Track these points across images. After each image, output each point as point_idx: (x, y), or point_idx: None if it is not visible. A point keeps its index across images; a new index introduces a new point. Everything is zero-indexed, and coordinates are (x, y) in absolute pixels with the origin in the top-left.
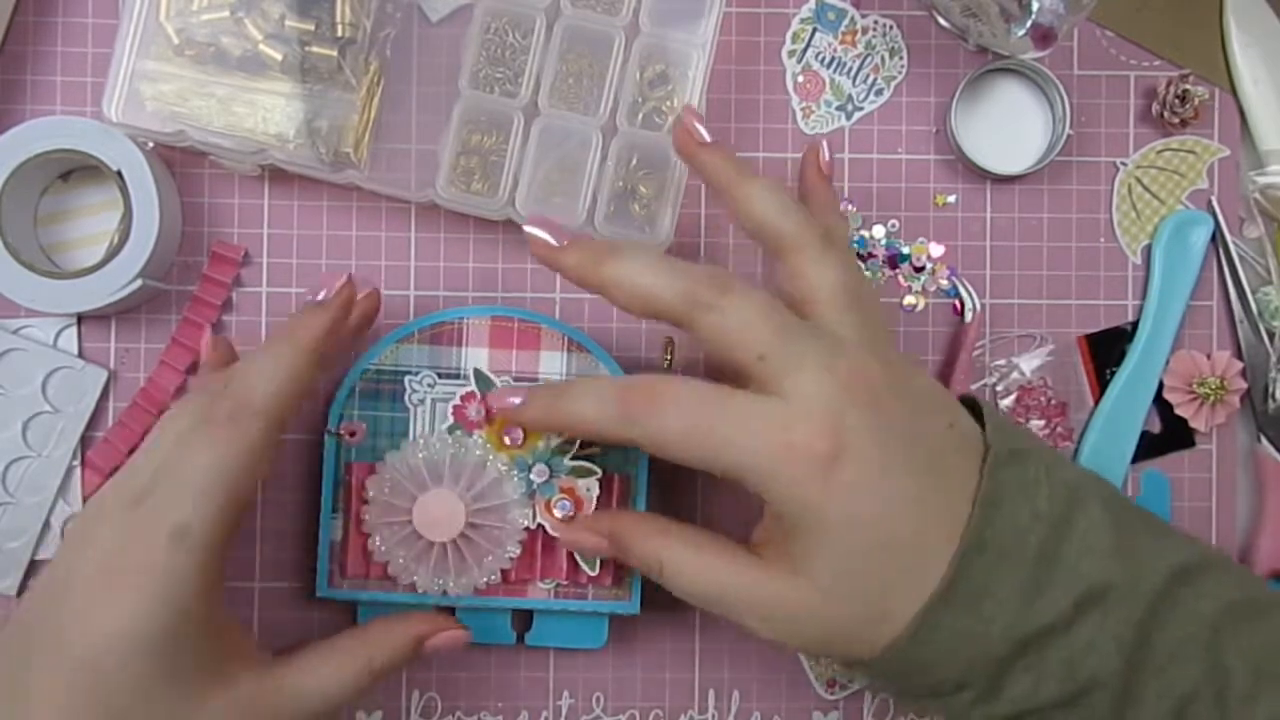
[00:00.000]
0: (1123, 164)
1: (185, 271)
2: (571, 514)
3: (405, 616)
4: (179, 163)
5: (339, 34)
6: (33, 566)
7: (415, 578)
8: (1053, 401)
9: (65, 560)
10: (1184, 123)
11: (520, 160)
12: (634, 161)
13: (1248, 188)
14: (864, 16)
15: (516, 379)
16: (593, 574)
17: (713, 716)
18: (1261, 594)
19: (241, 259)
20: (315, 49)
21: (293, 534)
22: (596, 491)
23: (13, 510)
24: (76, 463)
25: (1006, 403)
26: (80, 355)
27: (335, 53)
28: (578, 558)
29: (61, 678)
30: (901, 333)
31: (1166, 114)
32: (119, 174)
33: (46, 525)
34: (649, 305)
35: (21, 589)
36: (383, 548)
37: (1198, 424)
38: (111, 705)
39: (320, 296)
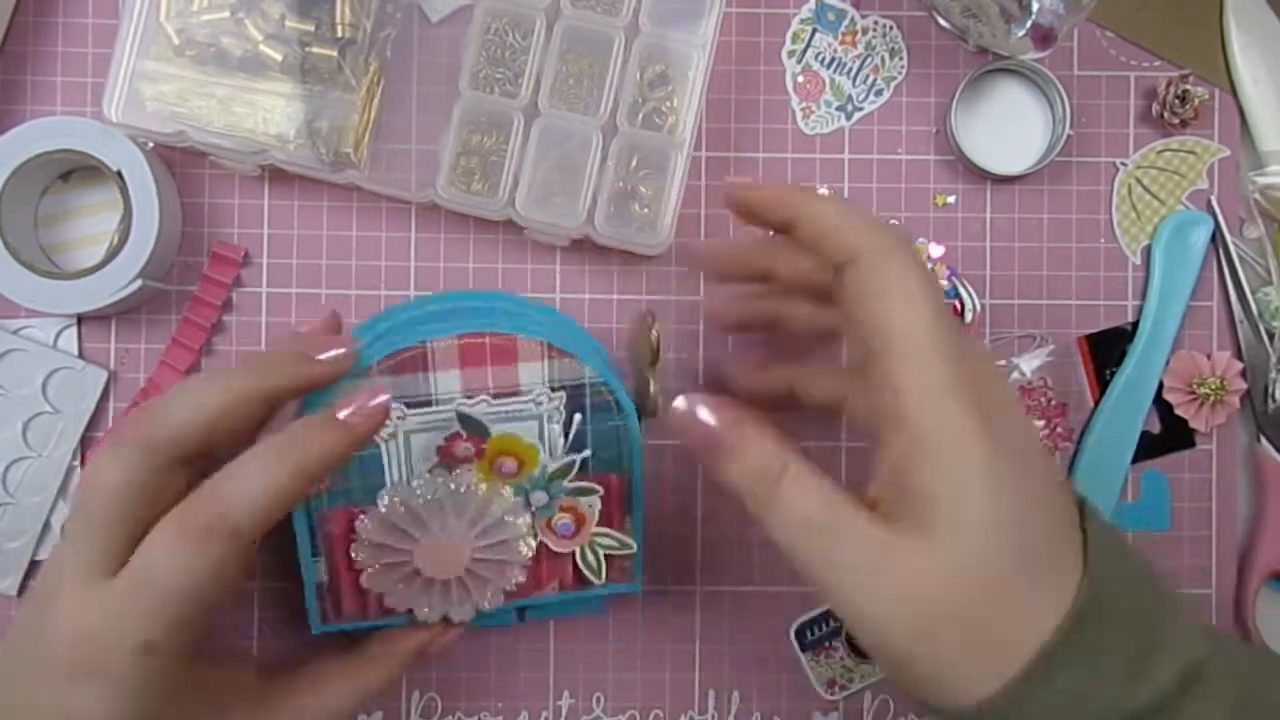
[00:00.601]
0: (1123, 164)
1: (185, 272)
2: (574, 531)
3: (404, 631)
4: (179, 163)
5: (339, 34)
6: (33, 567)
7: (415, 607)
8: (1053, 402)
9: (31, 627)
10: (1184, 123)
11: (520, 160)
12: (634, 162)
13: (1248, 188)
14: (864, 17)
15: (495, 396)
16: (599, 582)
17: (713, 716)
18: None
19: (241, 259)
20: (315, 49)
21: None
22: (599, 507)
23: (13, 510)
24: (77, 463)
25: None
26: (80, 356)
27: (335, 53)
28: (582, 568)
29: None
30: None
31: (1166, 114)
32: (119, 174)
33: (47, 525)
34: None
35: (22, 589)
36: (380, 585)
37: (1198, 424)
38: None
39: (343, 414)
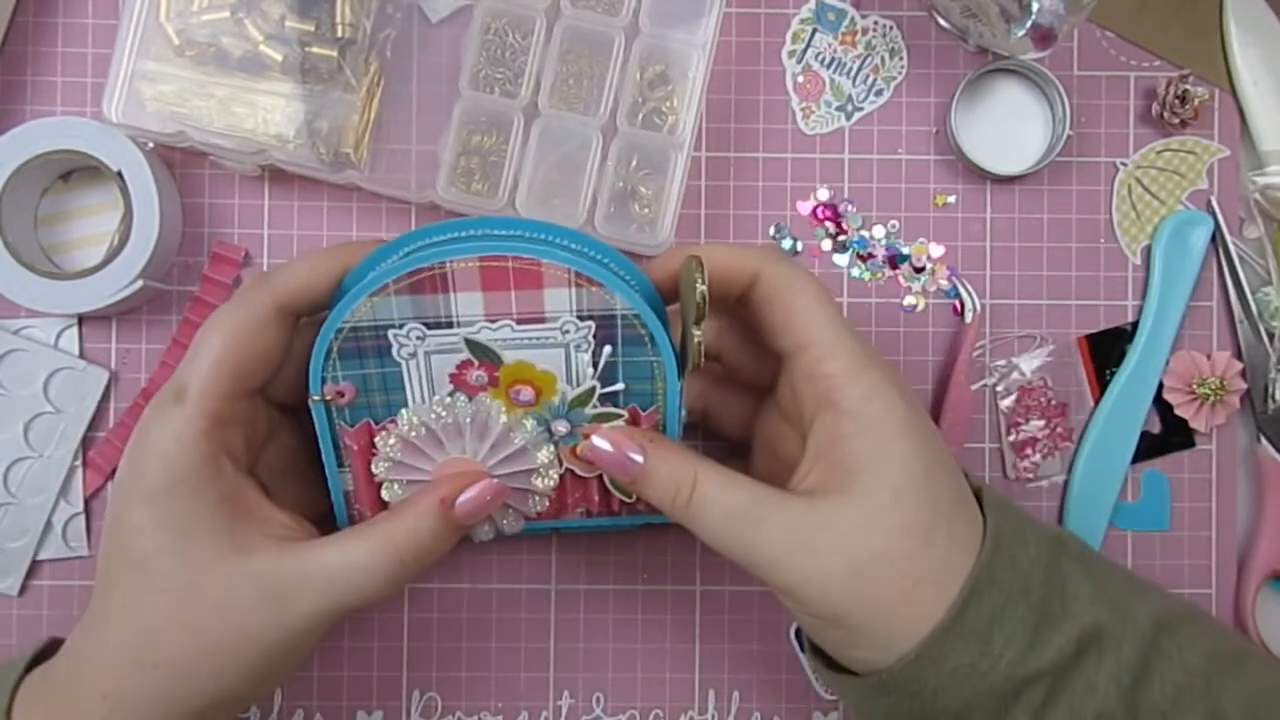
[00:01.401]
0: (1123, 164)
1: (186, 272)
2: None
3: (425, 487)
4: (179, 163)
5: (339, 34)
6: (34, 567)
7: None
8: (1053, 401)
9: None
10: (1184, 123)
11: (520, 161)
12: (634, 162)
13: (1248, 188)
14: (864, 17)
15: (520, 322)
16: (628, 500)
17: (713, 716)
18: (1240, 643)
19: (242, 259)
20: (315, 49)
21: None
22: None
23: (14, 510)
24: (78, 463)
25: (1007, 403)
26: (81, 356)
27: (335, 53)
28: (610, 488)
29: (105, 533)
30: (901, 333)
31: (1166, 114)
32: (119, 174)
33: (48, 525)
34: None
35: (23, 589)
36: (401, 495)
37: (1198, 424)
38: (128, 553)
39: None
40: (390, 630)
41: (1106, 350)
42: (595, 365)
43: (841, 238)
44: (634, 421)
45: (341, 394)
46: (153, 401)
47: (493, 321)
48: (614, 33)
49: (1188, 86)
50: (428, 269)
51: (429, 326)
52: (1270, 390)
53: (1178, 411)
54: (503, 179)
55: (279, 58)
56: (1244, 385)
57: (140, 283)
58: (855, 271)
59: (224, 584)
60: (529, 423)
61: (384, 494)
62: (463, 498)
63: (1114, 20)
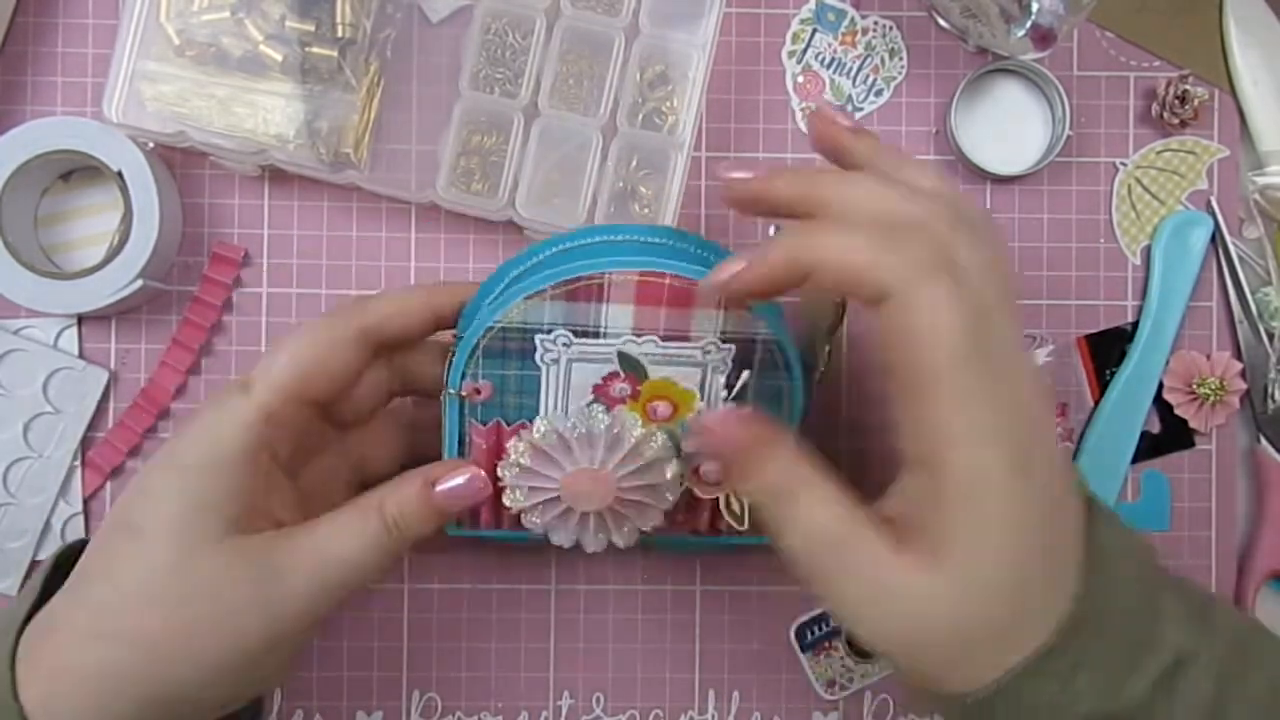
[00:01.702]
0: (1122, 164)
1: (185, 272)
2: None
3: (419, 469)
4: (179, 163)
5: (339, 34)
6: (33, 567)
7: (550, 530)
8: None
9: None
10: (1184, 123)
11: (520, 161)
12: (634, 162)
13: (1247, 188)
14: (864, 17)
15: (664, 339)
16: (741, 528)
17: (713, 716)
18: None
19: (242, 260)
20: (315, 49)
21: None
22: None
23: (14, 511)
24: (77, 463)
25: None
26: (81, 356)
27: (335, 53)
28: (724, 514)
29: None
30: None
31: (1166, 114)
32: (119, 174)
33: (47, 526)
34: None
35: (22, 589)
36: (523, 504)
37: (1197, 424)
38: (130, 513)
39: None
40: (390, 630)
41: (1106, 350)
42: (730, 388)
43: None
44: None
45: (479, 391)
46: (220, 390)
47: (638, 336)
48: (614, 33)
49: (1187, 87)
50: (586, 277)
51: (576, 334)
52: (1270, 390)
53: (1177, 411)
54: (503, 179)
55: (279, 58)
56: (1244, 385)
57: (140, 282)
58: None
59: (214, 563)
60: (660, 438)
61: (505, 499)
62: (444, 485)
63: (1114, 20)
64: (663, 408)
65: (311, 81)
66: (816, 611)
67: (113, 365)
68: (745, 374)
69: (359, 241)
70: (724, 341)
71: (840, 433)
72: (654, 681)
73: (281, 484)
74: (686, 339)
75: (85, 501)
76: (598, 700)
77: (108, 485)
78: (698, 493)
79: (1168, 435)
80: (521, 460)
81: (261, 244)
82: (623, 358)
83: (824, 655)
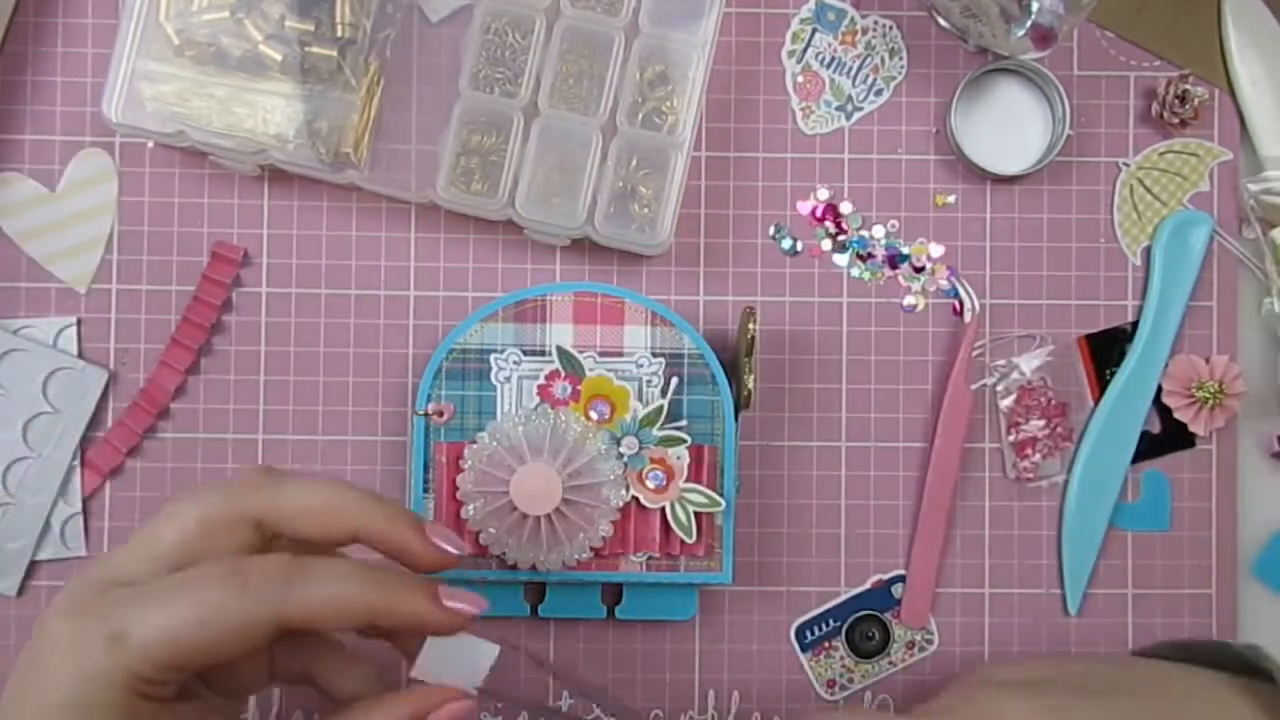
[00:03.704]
0: (1125, 165)
1: (185, 271)
2: (664, 484)
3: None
4: (179, 163)
5: (339, 34)
6: (33, 567)
7: (507, 549)
8: (1053, 401)
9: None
10: (1184, 123)
11: (520, 160)
12: (634, 162)
13: (1243, 194)
14: (864, 17)
15: (601, 354)
16: (689, 541)
17: (712, 716)
18: None
19: (241, 259)
20: (315, 49)
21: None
22: (687, 460)
23: (13, 511)
24: (76, 463)
25: (1007, 403)
26: (80, 356)
27: (335, 53)
28: (672, 524)
29: None
30: (901, 333)
31: (1166, 114)
32: None
33: (47, 526)
34: None
35: (21, 589)
36: (477, 517)
37: (1196, 428)
38: None
39: (453, 604)
40: None
41: (1106, 350)
42: (664, 394)
43: (841, 237)
44: (701, 464)
45: (441, 413)
46: (73, 609)
47: (580, 352)
48: (614, 33)
49: (1187, 86)
50: (531, 300)
51: (525, 353)
52: None
53: (1177, 415)
54: (503, 179)
55: (279, 57)
56: (1243, 388)
57: None
58: (855, 271)
59: None
60: (601, 435)
61: (463, 514)
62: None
63: (1114, 20)
64: (602, 407)
65: (311, 81)
66: (817, 611)
67: (112, 365)
68: (674, 380)
69: (358, 241)
70: (654, 355)
71: (840, 432)
72: (654, 681)
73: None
74: (621, 354)
75: (84, 501)
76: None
77: (107, 485)
78: (643, 500)
79: (1168, 435)
80: (479, 464)
81: (261, 243)
82: (562, 354)
83: (824, 655)
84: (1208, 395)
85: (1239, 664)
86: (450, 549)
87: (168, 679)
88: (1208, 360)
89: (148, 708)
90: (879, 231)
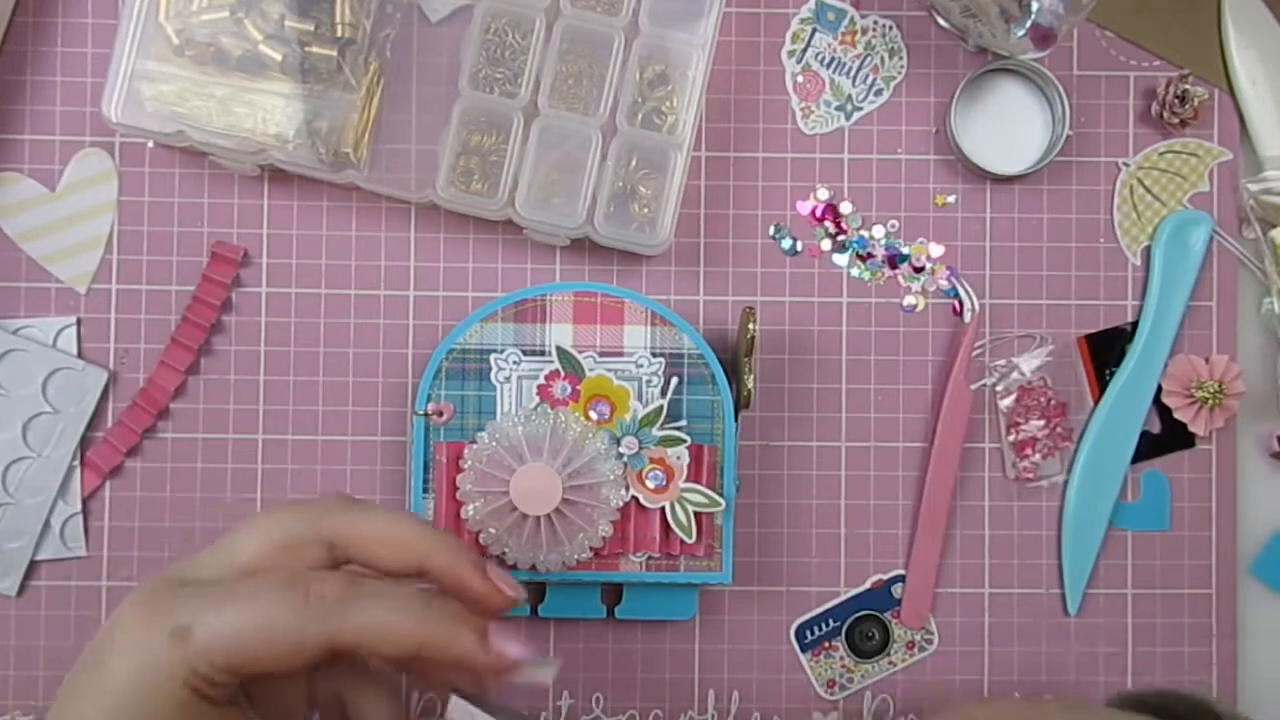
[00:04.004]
0: (1125, 165)
1: (185, 271)
2: (664, 484)
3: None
4: (179, 163)
5: (339, 34)
6: (33, 567)
7: (506, 549)
8: (1053, 401)
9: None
10: (1183, 123)
11: (520, 160)
12: (634, 162)
13: (1243, 194)
14: (864, 17)
15: (601, 354)
16: (689, 541)
17: (712, 716)
18: None
19: (241, 259)
20: (315, 49)
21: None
22: (686, 460)
23: (13, 511)
24: (76, 463)
25: (1007, 403)
26: (80, 356)
27: (335, 53)
28: (672, 524)
29: None
30: (901, 333)
31: (1166, 114)
32: None
33: (46, 526)
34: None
35: (22, 589)
36: (477, 517)
37: (1196, 428)
38: None
39: (505, 649)
40: None
41: (1106, 350)
42: (664, 394)
43: (841, 237)
44: (700, 464)
45: (441, 413)
46: (147, 600)
47: (580, 352)
48: (614, 33)
49: (1187, 86)
50: (530, 300)
51: (525, 353)
52: None
53: (1176, 415)
54: (502, 179)
55: (279, 57)
56: (1243, 388)
57: None
58: (855, 271)
59: None
60: (602, 434)
61: (463, 514)
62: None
63: (1114, 20)
64: (602, 407)
65: (311, 81)
66: (816, 611)
67: (112, 365)
68: (674, 380)
69: (358, 241)
70: (654, 355)
71: (840, 432)
72: (654, 682)
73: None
74: (621, 354)
75: (84, 501)
76: (597, 700)
77: (107, 485)
78: (642, 501)
79: (1168, 435)
80: (479, 464)
81: (261, 243)
82: (561, 354)
83: (824, 655)
84: (1208, 395)
85: (1189, 710)
86: (508, 591)
87: (224, 681)
88: (1207, 360)
89: (202, 708)
90: (879, 231)
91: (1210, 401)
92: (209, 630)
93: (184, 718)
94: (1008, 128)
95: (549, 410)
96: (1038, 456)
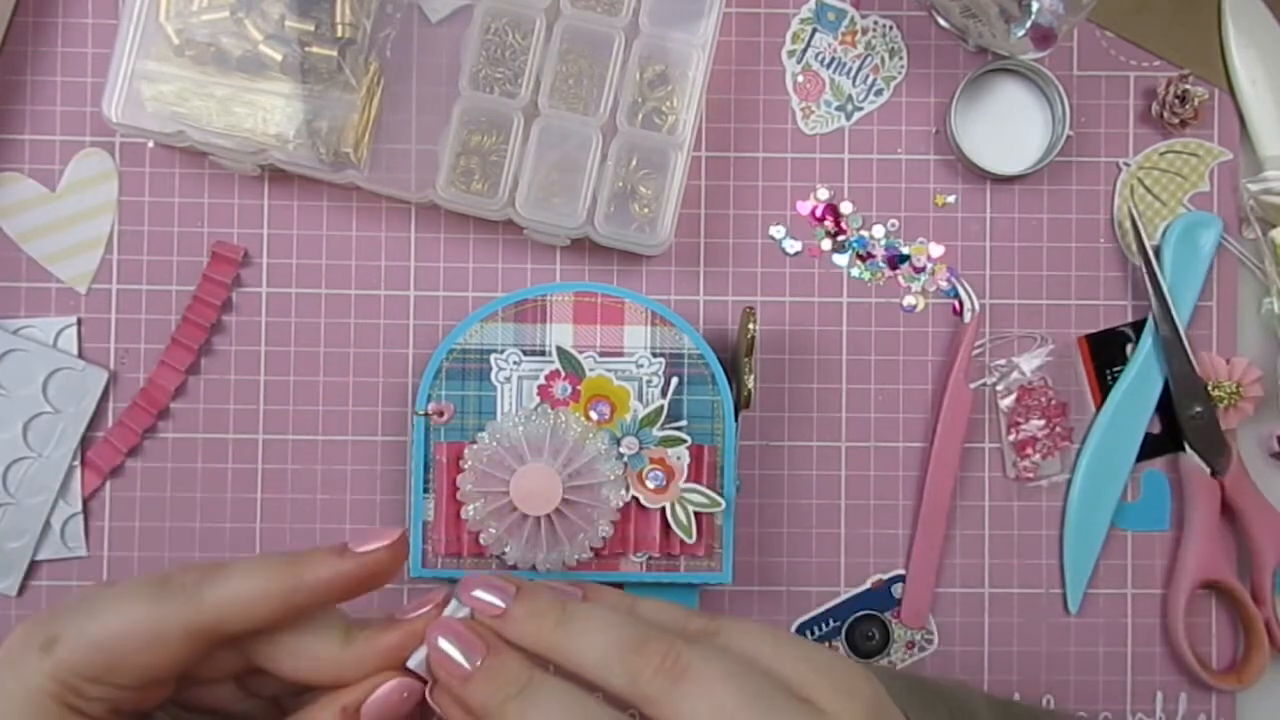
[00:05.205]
0: (1125, 165)
1: (185, 271)
2: (664, 484)
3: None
4: (179, 163)
5: (339, 34)
6: (33, 567)
7: (506, 549)
8: (1053, 401)
9: None
10: (1184, 123)
11: (520, 160)
12: (634, 162)
13: (1243, 194)
14: (864, 17)
15: (601, 354)
16: (689, 541)
17: None
18: None
19: (241, 259)
20: (315, 49)
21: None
22: (687, 460)
23: (13, 511)
24: (77, 463)
25: (1007, 402)
26: (80, 356)
27: (335, 53)
28: (672, 525)
29: None
30: (901, 333)
31: (1166, 114)
32: None
33: (47, 526)
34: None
35: (22, 589)
36: (477, 517)
37: None
38: None
39: (362, 548)
40: None
41: (1106, 350)
42: (664, 394)
43: (841, 237)
44: (701, 464)
45: (441, 413)
46: (34, 617)
47: (580, 352)
48: (614, 33)
49: (1187, 86)
50: (531, 300)
51: (525, 353)
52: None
53: None
54: (502, 179)
55: (279, 57)
56: (1260, 392)
57: None
58: (855, 271)
59: None
60: (602, 434)
61: (463, 514)
62: (356, 544)
63: (1114, 20)
64: (602, 407)
65: (311, 81)
66: (817, 611)
67: (112, 365)
68: (674, 380)
69: (358, 241)
70: (654, 355)
71: (840, 432)
72: None
73: None
74: (621, 354)
75: (84, 501)
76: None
77: (107, 485)
78: (643, 501)
79: (1168, 435)
80: (479, 464)
81: (261, 243)
82: (562, 354)
83: None
84: (1224, 395)
85: None
86: (373, 544)
87: (97, 694)
88: (1228, 361)
89: None
90: (879, 231)
91: (1226, 402)
92: (72, 638)
93: None
94: (1008, 128)
95: (549, 410)
96: (1038, 456)
